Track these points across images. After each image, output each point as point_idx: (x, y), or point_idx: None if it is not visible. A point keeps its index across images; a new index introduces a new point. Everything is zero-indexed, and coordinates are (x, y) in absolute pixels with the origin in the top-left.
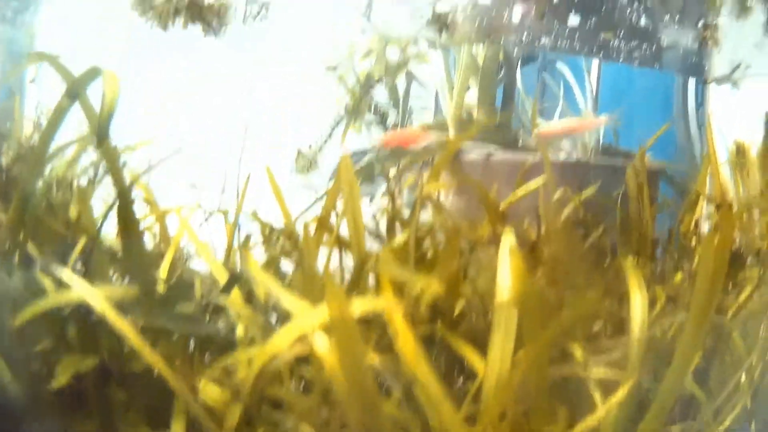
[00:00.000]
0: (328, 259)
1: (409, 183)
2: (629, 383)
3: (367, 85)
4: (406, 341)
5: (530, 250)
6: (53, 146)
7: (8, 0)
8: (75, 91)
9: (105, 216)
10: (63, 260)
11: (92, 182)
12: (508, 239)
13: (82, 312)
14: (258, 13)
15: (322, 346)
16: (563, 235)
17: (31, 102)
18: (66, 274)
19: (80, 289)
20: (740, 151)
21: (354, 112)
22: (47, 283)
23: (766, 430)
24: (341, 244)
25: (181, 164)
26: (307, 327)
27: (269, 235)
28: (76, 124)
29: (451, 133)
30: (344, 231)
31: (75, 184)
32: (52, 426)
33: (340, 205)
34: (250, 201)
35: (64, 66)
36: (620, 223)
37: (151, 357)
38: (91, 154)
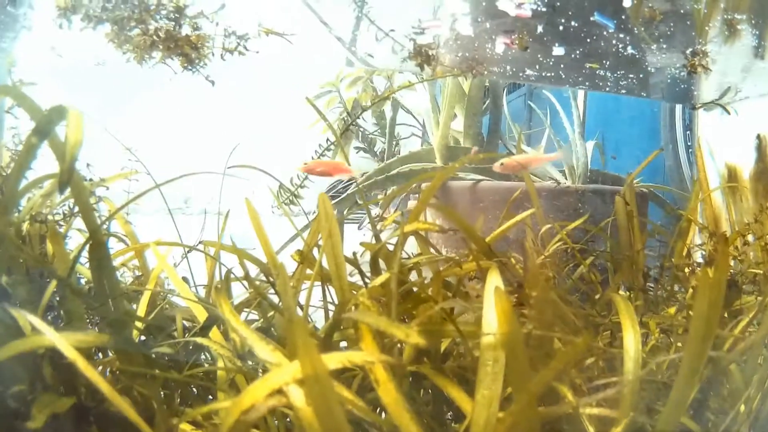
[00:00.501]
0: (307, 301)
1: (391, 220)
2: (624, 421)
3: (354, 112)
4: (387, 392)
5: (517, 287)
6: (29, 180)
7: None
8: (43, 130)
9: (78, 254)
10: (40, 294)
11: (68, 215)
12: (494, 279)
13: (57, 353)
14: (236, 46)
15: (298, 400)
16: (551, 269)
17: (11, 129)
18: (36, 321)
19: (51, 336)
20: (732, 175)
21: (341, 139)
22: (22, 320)
23: None
24: (324, 278)
25: (162, 197)
26: (280, 382)
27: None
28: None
29: (438, 161)
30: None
31: (51, 217)
32: None
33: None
34: (238, 231)
35: (32, 102)
36: (610, 252)
37: (122, 404)
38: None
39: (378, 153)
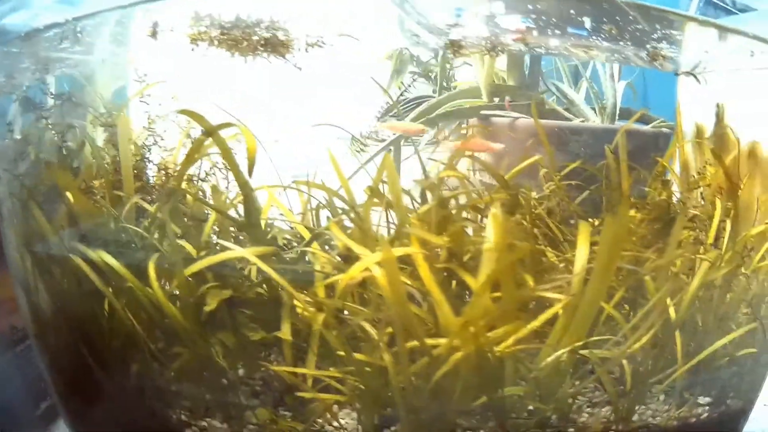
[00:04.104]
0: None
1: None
2: (568, 298)
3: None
4: (424, 271)
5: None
6: None
7: None
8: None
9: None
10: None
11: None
12: (495, 206)
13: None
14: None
15: (378, 274)
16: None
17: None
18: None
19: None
20: (699, 133)
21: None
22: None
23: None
24: (388, 206)
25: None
26: (370, 263)
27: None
28: None
29: (484, 97)
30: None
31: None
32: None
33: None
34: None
35: None
36: (605, 187)
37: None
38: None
39: (432, 77)
